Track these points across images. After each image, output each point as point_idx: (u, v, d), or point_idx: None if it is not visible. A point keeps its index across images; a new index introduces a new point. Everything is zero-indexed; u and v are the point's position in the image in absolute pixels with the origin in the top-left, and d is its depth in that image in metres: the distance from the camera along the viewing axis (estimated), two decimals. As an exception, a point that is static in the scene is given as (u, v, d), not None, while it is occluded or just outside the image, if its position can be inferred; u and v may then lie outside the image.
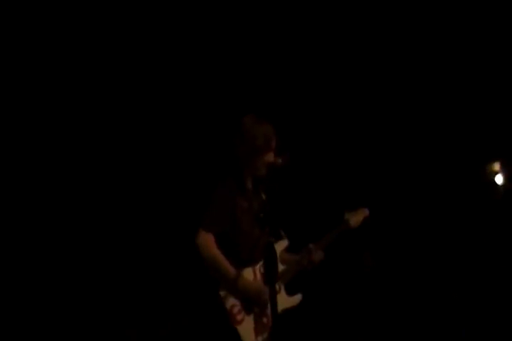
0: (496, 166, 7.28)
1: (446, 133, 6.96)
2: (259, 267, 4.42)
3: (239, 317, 4.32)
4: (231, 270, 4.29)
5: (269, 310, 4.27)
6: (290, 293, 4.56)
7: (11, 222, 5.90)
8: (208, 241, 4.28)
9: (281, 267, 4.50)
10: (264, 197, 4.54)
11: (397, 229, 6.74)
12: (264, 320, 4.37)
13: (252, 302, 4.34)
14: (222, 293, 4.30)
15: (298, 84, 6.48)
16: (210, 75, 6.28)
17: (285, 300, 4.49)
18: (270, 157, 4.42)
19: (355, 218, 4.69)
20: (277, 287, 4.43)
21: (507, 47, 6.65)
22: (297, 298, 4.56)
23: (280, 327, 4.32)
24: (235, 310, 4.32)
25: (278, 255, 4.47)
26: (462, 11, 6.48)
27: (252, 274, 4.38)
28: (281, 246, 4.54)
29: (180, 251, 5.61)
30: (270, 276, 4.10)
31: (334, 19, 6.46)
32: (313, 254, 4.54)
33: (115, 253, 5.99)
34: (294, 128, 6.05)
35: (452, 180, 7.11)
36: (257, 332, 4.36)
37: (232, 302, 4.32)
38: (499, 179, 7.29)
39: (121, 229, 6.01)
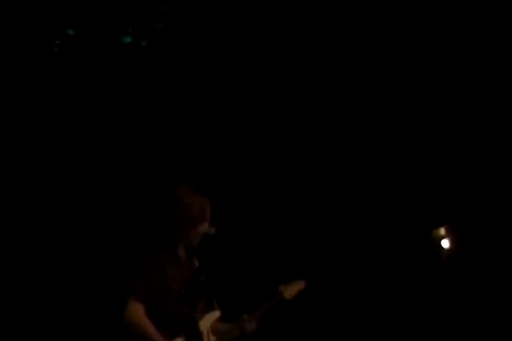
0: (442, 231, 7.38)
1: (393, 199, 7.02)
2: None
3: None
4: (160, 340, 4.26)
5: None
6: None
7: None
8: (137, 310, 4.22)
9: (212, 338, 4.49)
10: (197, 265, 4.53)
11: (343, 292, 6.76)
12: None
13: (182, 375, 4.31)
14: None
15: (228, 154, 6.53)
16: (144, 138, 6.33)
17: (217, 373, 4.48)
18: (204, 227, 4.43)
19: (290, 290, 4.69)
20: (208, 358, 4.42)
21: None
22: (229, 371, 4.54)
23: None
24: None
25: (209, 326, 4.47)
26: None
27: (182, 347, 4.36)
28: (213, 316, 4.52)
29: (109, 319, 5.56)
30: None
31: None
32: (247, 325, 4.56)
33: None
34: (229, 199, 6.07)
35: (400, 244, 7.17)
36: None
37: None
38: (445, 243, 7.39)
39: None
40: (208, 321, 4.48)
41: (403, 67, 6.73)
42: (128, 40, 6.13)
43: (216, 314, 4.55)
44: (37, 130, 6.21)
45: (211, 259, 4.58)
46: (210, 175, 5.93)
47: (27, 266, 6.01)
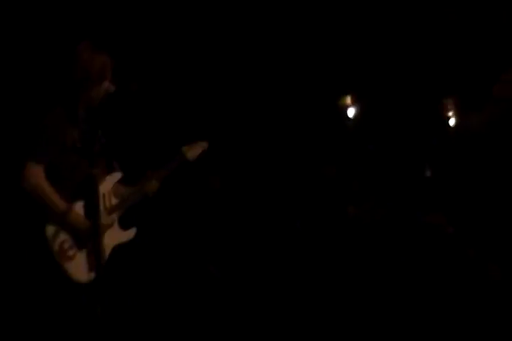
0: (348, 100, 7.35)
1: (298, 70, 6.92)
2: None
3: (70, 253, 4.18)
4: (60, 203, 4.13)
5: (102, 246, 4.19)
6: (124, 227, 4.45)
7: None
8: (35, 173, 4.10)
9: (114, 200, 4.38)
10: (96, 125, 4.35)
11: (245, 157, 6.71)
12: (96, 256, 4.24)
13: (83, 238, 4.20)
14: (50, 228, 4.15)
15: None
16: None
17: (119, 235, 4.39)
18: (105, 85, 4.27)
19: (193, 151, 4.63)
20: (110, 221, 4.33)
21: None
22: (131, 232, 4.46)
23: (111, 262, 4.26)
24: (66, 245, 4.18)
25: (111, 188, 4.37)
26: None
27: (82, 209, 4.22)
28: (114, 178, 4.39)
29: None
30: (91, 211, 3.97)
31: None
32: (149, 184, 4.49)
33: None
34: (130, 56, 5.81)
35: (305, 114, 7.12)
36: (90, 268, 4.23)
37: (63, 237, 4.17)
38: (351, 112, 7.37)
39: None
40: (109, 183, 4.36)
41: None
42: None
43: (117, 175, 4.42)
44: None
45: (113, 120, 4.42)
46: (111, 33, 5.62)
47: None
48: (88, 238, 4.16)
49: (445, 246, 6.06)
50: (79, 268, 4.20)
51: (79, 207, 4.21)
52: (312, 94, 7.02)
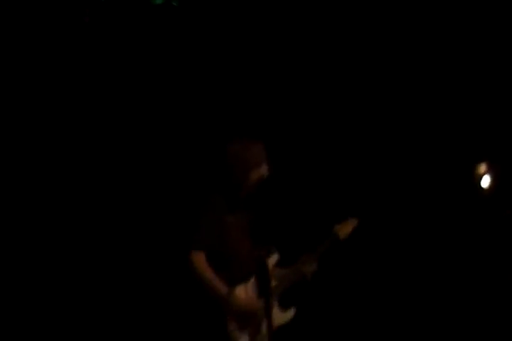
0: (483, 168, 7.24)
1: (433, 136, 6.89)
2: (251, 283, 4.37)
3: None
4: (221, 288, 4.26)
5: (263, 327, 4.25)
6: (283, 308, 4.51)
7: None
8: (199, 260, 4.25)
9: (273, 282, 4.43)
10: (254, 211, 4.50)
11: (389, 233, 6.66)
12: (259, 338, 4.32)
13: (245, 321, 4.28)
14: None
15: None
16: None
17: (279, 316, 4.44)
18: (264, 170, 4.44)
19: (344, 229, 4.68)
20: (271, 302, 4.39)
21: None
22: (290, 313, 4.52)
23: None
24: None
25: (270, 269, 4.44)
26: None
27: (243, 291, 4.33)
28: (272, 260, 4.48)
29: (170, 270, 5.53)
30: (264, 290, 4.02)
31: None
32: (307, 266, 4.55)
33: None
34: (279, 140, 5.96)
35: (440, 182, 7.05)
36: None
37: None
38: (485, 181, 7.25)
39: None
40: (269, 266, 4.42)
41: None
42: (159, 1, 5.90)
43: (275, 257, 4.51)
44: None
45: (266, 205, 4.54)
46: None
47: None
48: (250, 320, 4.28)
49: None
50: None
51: (239, 291, 4.31)
52: (444, 166, 6.97)
